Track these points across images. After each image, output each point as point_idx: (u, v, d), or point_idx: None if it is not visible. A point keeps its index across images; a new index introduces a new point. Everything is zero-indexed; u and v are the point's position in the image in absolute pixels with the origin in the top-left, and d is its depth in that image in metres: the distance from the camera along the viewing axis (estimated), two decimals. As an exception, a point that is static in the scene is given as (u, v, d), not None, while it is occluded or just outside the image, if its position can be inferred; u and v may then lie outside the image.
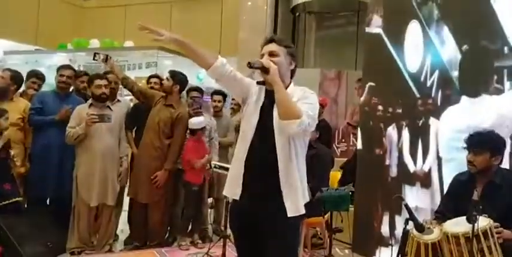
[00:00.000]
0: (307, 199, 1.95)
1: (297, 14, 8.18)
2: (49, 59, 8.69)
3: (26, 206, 3.61)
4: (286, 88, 1.92)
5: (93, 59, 3.39)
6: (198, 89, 4.24)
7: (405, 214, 3.22)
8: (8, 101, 3.62)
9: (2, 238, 3.10)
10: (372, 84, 3.79)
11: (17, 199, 3.34)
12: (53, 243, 3.40)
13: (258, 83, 1.97)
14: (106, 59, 3.27)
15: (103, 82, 3.53)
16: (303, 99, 1.90)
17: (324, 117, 4.85)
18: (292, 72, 2.01)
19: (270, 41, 1.98)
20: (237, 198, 1.92)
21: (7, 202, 3.26)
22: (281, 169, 1.86)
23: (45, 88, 4.24)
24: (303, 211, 1.90)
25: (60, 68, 3.85)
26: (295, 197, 1.88)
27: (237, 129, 4.62)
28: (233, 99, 5.73)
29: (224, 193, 2.04)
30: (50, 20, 9.40)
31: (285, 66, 1.95)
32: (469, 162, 2.43)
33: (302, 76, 5.72)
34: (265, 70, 1.86)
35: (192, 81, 9.72)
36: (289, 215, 1.85)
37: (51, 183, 3.59)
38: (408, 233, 2.28)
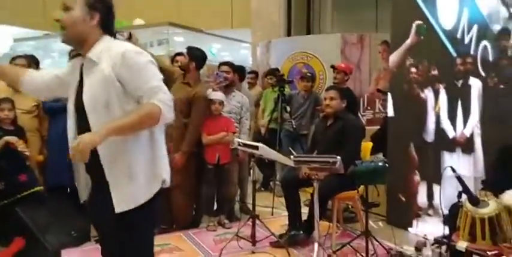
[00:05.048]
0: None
1: (311, -23, 7.73)
2: (60, 44, 8.53)
3: (46, 195, 3.51)
4: (89, 48, 1.60)
5: (115, 38, 3.20)
6: (228, 64, 4.00)
7: (445, 183, 3.04)
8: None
9: (24, 229, 3.02)
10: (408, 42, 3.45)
11: (36, 189, 3.24)
12: (76, 232, 3.30)
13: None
14: (129, 37, 3.09)
15: None
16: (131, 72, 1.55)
17: (347, 84, 4.57)
18: (102, 26, 1.64)
19: None
20: None
21: (26, 192, 3.17)
22: None
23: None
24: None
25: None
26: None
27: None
28: (249, 72, 5.54)
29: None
30: (57, 2, 9.15)
31: (82, 23, 1.59)
32: None
33: (321, 43, 5.47)
34: None
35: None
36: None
37: (70, 170, 3.46)
38: (460, 207, 2.05)
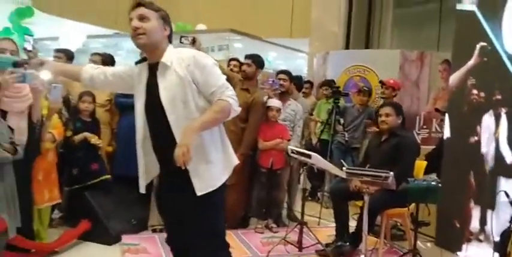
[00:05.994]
0: None
1: (374, -10, 7.74)
2: (128, 43, 9.02)
3: (112, 183, 3.78)
4: (162, 53, 1.85)
5: (180, 42, 3.45)
6: (285, 73, 4.16)
7: (499, 209, 3.00)
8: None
9: (90, 213, 3.29)
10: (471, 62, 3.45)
11: (104, 177, 3.53)
12: (136, 220, 3.56)
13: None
14: (193, 41, 3.32)
15: None
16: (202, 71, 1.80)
17: (403, 101, 4.57)
18: (169, 37, 1.90)
19: (138, 5, 1.85)
20: None
21: (96, 180, 3.45)
22: None
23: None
24: None
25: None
26: None
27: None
28: (304, 82, 5.65)
29: None
30: (128, 3, 9.68)
31: (159, 32, 1.84)
32: None
33: (380, 57, 5.48)
34: None
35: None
36: None
37: (135, 162, 3.71)
38: (511, 232, 2.06)
